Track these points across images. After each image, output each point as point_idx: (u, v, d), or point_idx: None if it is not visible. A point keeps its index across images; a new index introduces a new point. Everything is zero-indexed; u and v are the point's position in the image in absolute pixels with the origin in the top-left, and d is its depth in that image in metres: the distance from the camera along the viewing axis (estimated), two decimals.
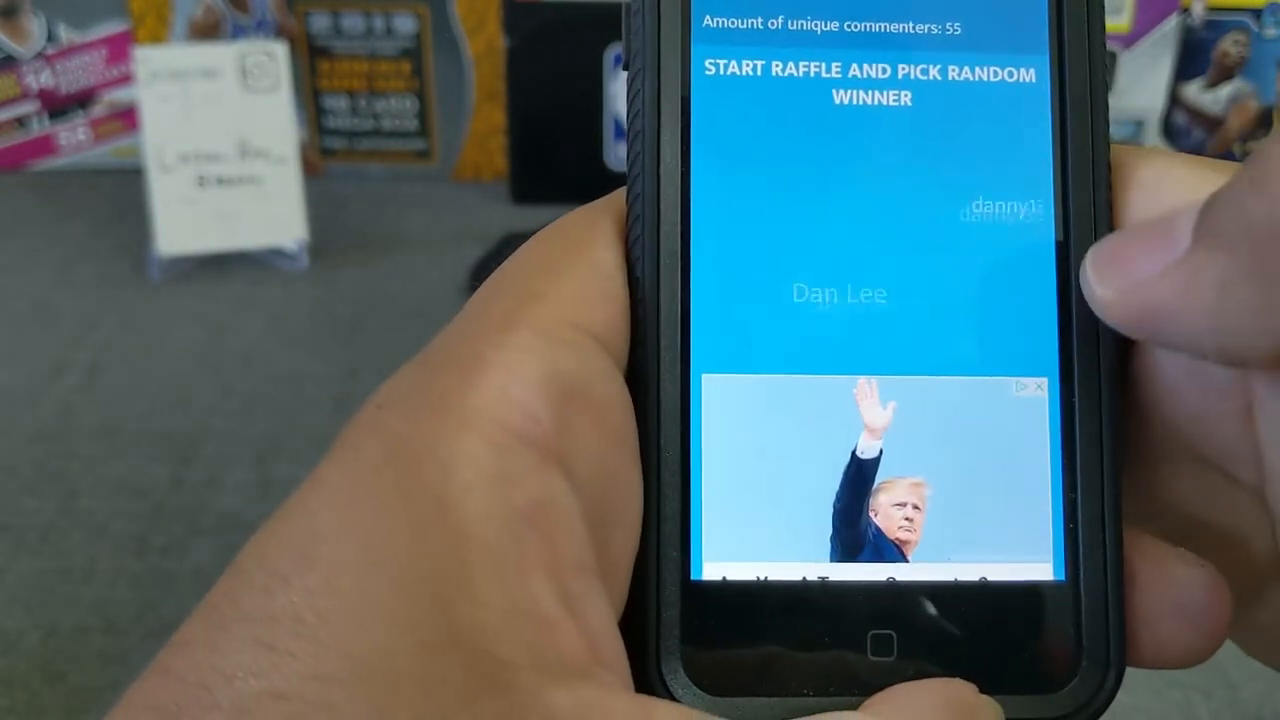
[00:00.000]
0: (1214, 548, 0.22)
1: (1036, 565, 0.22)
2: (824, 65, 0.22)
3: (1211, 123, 0.99)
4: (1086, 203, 0.22)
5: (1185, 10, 0.96)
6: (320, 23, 1.00)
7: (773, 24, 0.22)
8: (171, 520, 0.63)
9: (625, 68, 0.23)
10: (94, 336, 0.80)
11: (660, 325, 0.21)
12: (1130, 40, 0.96)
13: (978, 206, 0.22)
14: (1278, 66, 0.97)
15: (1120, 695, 0.22)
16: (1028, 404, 0.22)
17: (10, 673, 0.53)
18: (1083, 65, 0.23)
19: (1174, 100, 0.98)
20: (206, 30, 1.00)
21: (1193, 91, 0.98)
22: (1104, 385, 0.22)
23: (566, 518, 0.18)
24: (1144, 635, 0.21)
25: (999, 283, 0.22)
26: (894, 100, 0.22)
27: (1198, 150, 0.97)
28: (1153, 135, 0.99)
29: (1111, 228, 0.22)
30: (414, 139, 1.03)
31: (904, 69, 0.23)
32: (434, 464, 0.18)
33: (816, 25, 0.23)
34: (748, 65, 0.22)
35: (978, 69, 0.23)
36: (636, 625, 0.21)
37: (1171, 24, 0.96)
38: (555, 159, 0.99)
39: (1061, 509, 0.22)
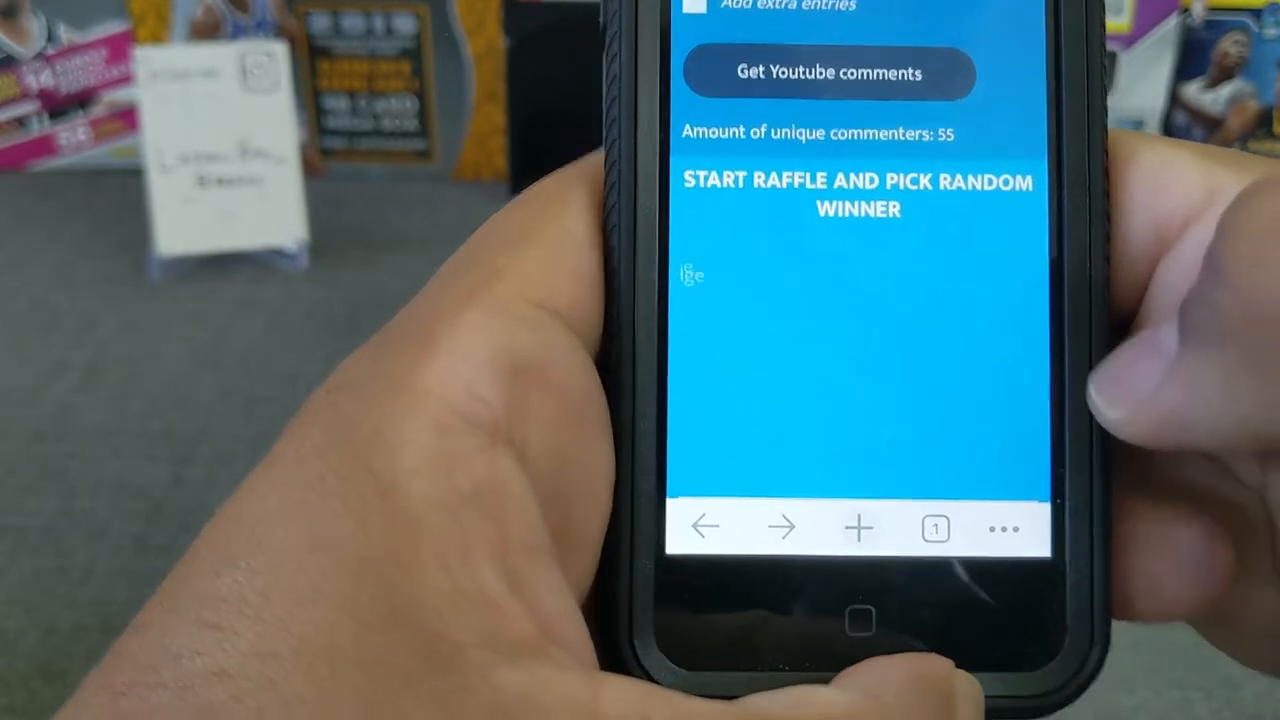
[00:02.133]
0: None
1: (1022, 538, 0.21)
2: (809, 175, 0.22)
3: (1211, 123, 0.99)
4: (1083, 317, 0.22)
5: (1185, 10, 0.96)
6: (320, 23, 1.00)
7: (755, 133, 0.22)
8: (171, 520, 0.63)
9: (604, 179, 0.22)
10: (94, 336, 0.80)
11: (636, 320, 0.21)
12: (1130, 40, 0.96)
13: (970, 320, 0.22)
14: (1278, 66, 0.97)
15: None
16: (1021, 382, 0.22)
17: (10, 672, 0.53)
18: (1082, 170, 0.22)
19: (1174, 100, 0.98)
20: (206, 30, 1.00)
21: (1193, 91, 0.98)
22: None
23: (515, 499, 0.18)
24: (1145, 593, 0.21)
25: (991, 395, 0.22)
26: (882, 212, 0.22)
27: None
28: None
29: (1109, 341, 0.21)
30: (414, 139, 1.03)
31: (893, 178, 0.22)
32: (380, 447, 0.18)
33: (801, 134, 0.22)
34: (729, 176, 0.22)
35: (970, 178, 0.22)
36: (607, 601, 0.21)
37: (1171, 24, 0.96)
38: (555, 159, 0.99)
39: (1049, 483, 0.22)
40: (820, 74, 0.22)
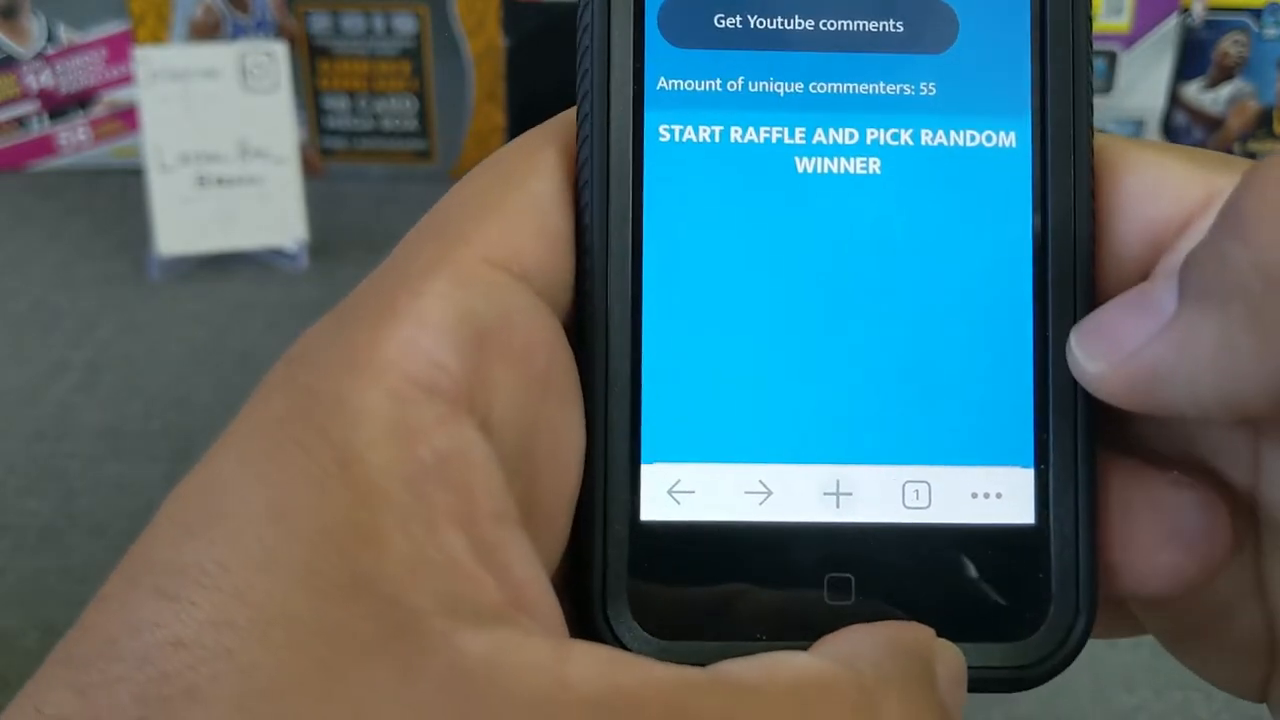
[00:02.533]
0: None
1: (1005, 505, 0.21)
2: (786, 130, 0.21)
3: (1211, 123, 0.99)
4: (1067, 278, 0.21)
5: (1185, 10, 0.96)
6: (320, 23, 1.00)
7: (732, 86, 0.21)
8: None
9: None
10: (94, 336, 0.80)
11: (609, 280, 0.21)
12: (1130, 40, 0.96)
13: (951, 281, 0.21)
14: (1278, 66, 0.97)
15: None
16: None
17: (10, 673, 0.53)
18: (1066, 127, 0.21)
19: (1174, 100, 0.98)
20: (206, 30, 1.00)
21: (1193, 91, 0.98)
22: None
23: (479, 468, 0.18)
24: (1141, 564, 0.21)
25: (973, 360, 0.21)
26: (861, 168, 0.21)
27: None
28: (1153, 135, 0.99)
29: (1093, 303, 0.21)
30: (414, 139, 1.03)
31: (873, 134, 0.21)
32: (339, 418, 0.17)
33: (779, 87, 0.21)
34: (704, 131, 0.21)
35: (952, 133, 0.21)
36: (580, 569, 0.20)
37: (1171, 24, 0.96)
38: None
39: (1032, 449, 0.21)
40: (799, 25, 0.21)
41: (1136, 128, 0.99)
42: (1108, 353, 0.20)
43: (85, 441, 0.69)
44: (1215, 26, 0.97)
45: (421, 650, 0.16)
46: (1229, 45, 0.97)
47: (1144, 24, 0.96)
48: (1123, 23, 0.96)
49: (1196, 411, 0.19)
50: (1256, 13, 0.96)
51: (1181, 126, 0.99)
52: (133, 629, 0.16)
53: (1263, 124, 0.99)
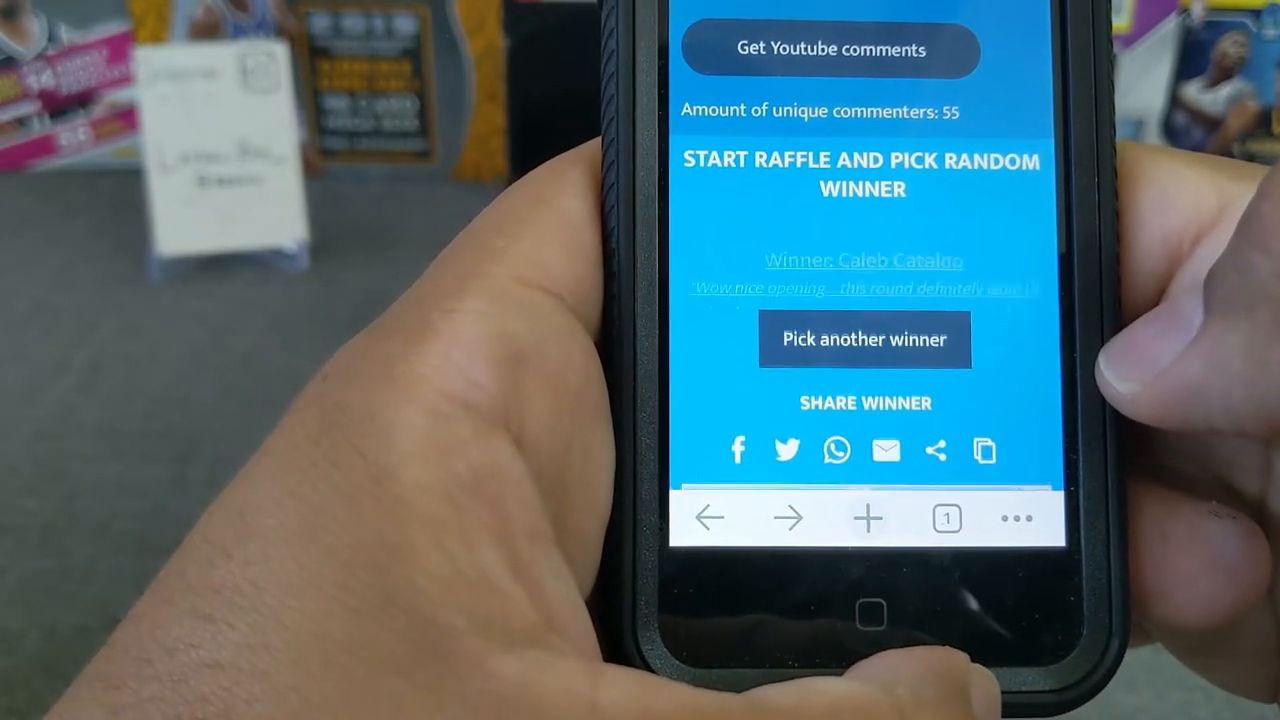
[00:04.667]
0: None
1: (1035, 527, 0.21)
2: (811, 154, 0.21)
3: (1211, 123, 0.99)
4: (1094, 298, 0.21)
5: (1185, 10, 0.96)
6: (320, 23, 1.00)
7: (756, 111, 0.21)
8: (171, 520, 0.63)
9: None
10: (94, 336, 0.80)
11: (636, 304, 0.20)
12: (1130, 40, 0.96)
13: (977, 303, 0.21)
14: (1277, 67, 0.97)
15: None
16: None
17: (11, 672, 0.53)
18: (1090, 148, 0.21)
19: (1174, 100, 0.98)
20: (206, 30, 1.00)
21: (1192, 91, 0.98)
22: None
23: (515, 484, 0.18)
24: (1181, 594, 0.20)
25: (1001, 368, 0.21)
26: (886, 191, 0.21)
27: (1197, 150, 0.96)
28: (1152, 135, 0.99)
29: (1120, 323, 0.21)
30: (414, 139, 1.03)
31: (897, 157, 0.21)
32: (374, 433, 0.17)
33: (803, 112, 0.21)
34: (729, 156, 0.21)
35: (976, 156, 0.21)
36: (611, 594, 0.20)
37: (1171, 24, 0.96)
38: None
39: (1062, 470, 0.21)
40: (822, 51, 0.21)
41: (1136, 128, 0.99)
42: (1138, 372, 0.19)
43: (85, 441, 0.69)
44: (1215, 27, 0.97)
45: (455, 673, 0.16)
46: (1229, 45, 0.97)
47: (1144, 24, 0.96)
48: (1123, 23, 0.96)
49: (1231, 425, 0.18)
50: (1256, 13, 0.96)
51: (1181, 127, 0.99)
52: (168, 649, 0.16)
53: (1262, 124, 0.99)
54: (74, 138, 1.02)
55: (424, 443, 0.17)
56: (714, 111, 0.21)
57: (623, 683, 0.16)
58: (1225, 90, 0.98)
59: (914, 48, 0.21)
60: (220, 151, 0.86)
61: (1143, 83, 0.97)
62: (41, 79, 1.01)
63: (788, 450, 0.21)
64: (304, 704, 0.15)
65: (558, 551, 0.18)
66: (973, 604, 0.20)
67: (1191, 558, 0.20)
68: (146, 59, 0.84)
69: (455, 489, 0.17)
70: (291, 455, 0.18)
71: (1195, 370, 0.18)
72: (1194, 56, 0.97)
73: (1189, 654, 0.23)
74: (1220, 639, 0.22)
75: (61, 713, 0.16)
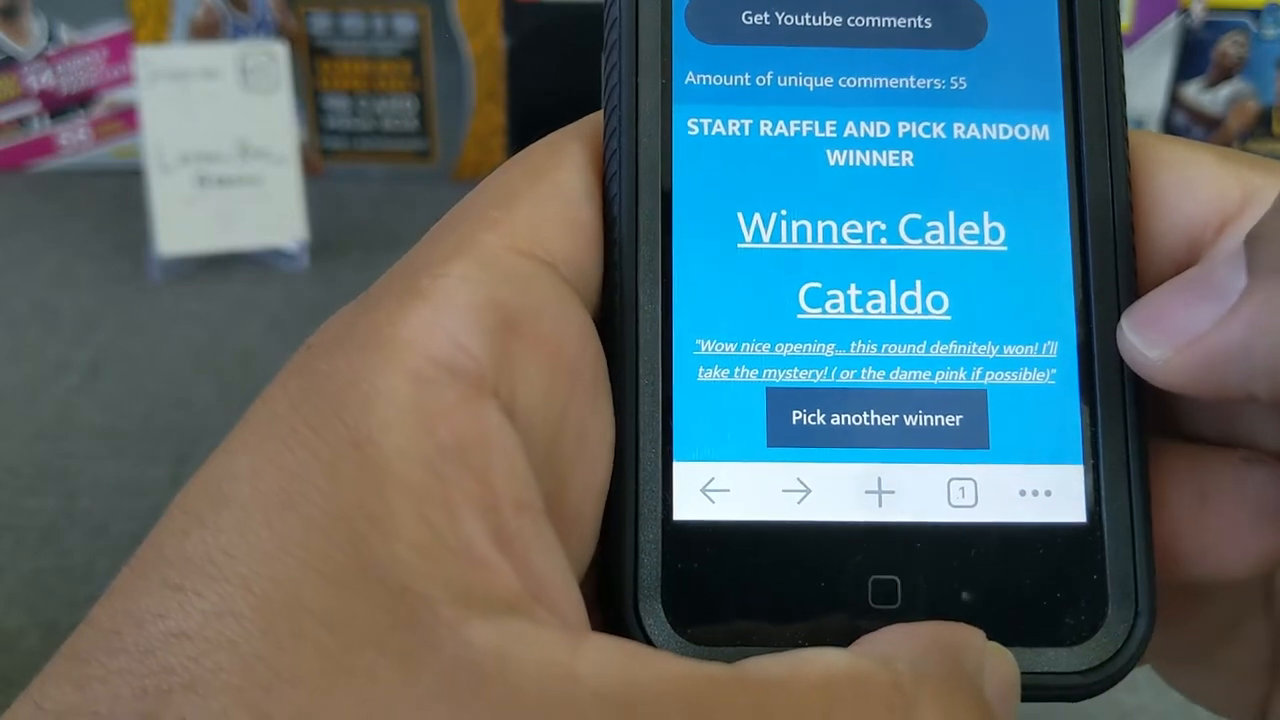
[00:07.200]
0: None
1: (1055, 502, 0.20)
2: (817, 123, 0.21)
3: (1211, 123, 0.99)
4: (1109, 268, 0.21)
5: (1185, 10, 0.96)
6: (320, 23, 0.99)
7: (760, 81, 0.21)
8: None
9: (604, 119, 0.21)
10: (94, 336, 0.79)
11: (639, 272, 0.20)
12: (1130, 40, 0.96)
13: (988, 274, 0.21)
14: (1277, 67, 0.97)
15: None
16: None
17: (10, 672, 0.53)
18: (1101, 118, 0.21)
19: (1174, 100, 0.98)
20: (206, 30, 1.00)
21: (1192, 91, 0.98)
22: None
23: (503, 453, 0.17)
24: (1228, 548, 0.20)
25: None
26: (894, 161, 0.21)
27: None
28: None
29: (1136, 293, 0.20)
30: (414, 139, 1.03)
31: (905, 127, 0.21)
32: (354, 399, 0.17)
33: (809, 82, 0.21)
34: (734, 124, 0.21)
35: (985, 126, 0.21)
36: (611, 571, 0.19)
37: (1171, 24, 0.96)
38: None
39: (1080, 444, 0.20)
40: (827, 21, 0.21)
41: (1135, 128, 0.99)
42: (1169, 338, 0.19)
43: (85, 441, 0.69)
44: (1215, 27, 0.97)
45: (430, 643, 0.15)
46: (1228, 45, 0.97)
47: (1144, 24, 0.96)
48: (1122, 23, 0.96)
49: (1270, 394, 0.18)
50: (1256, 13, 0.96)
51: (1181, 126, 0.99)
52: (137, 621, 0.16)
53: (1262, 124, 0.99)
54: (74, 138, 1.02)
55: (407, 409, 0.17)
56: (718, 80, 0.21)
57: (606, 651, 0.16)
58: (1225, 90, 0.98)
59: (919, 19, 0.21)
60: (220, 151, 0.86)
61: (1143, 82, 0.97)
62: (41, 79, 1.01)
63: (796, 422, 0.20)
64: (271, 674, 0.15)
65: (547, 523, 0.17)
66: (990, 582, 0.20)
67: (1237, 508, 0.20)
68: (146, 59, 0.84)
69: (438, 457, 0.17)
70: (271, 423, 0.17)
71: (1238, 335, 0.18)
72: (1194, 56, 0.97)
73: (1173, 669, 0.23)
74: (1208, 651, 0.21)
75: (34, 688, 0.16)
